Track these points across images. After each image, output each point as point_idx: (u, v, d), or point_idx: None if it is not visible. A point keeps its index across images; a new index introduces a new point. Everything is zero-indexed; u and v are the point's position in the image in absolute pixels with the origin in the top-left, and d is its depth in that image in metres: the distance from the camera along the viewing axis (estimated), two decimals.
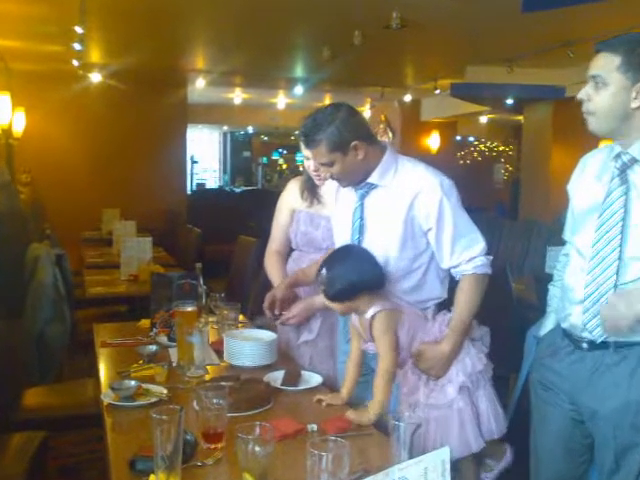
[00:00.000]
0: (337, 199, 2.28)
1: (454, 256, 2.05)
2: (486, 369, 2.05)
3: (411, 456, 1.45)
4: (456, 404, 1.99)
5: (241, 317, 2.91)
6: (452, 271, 2.10)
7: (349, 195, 2.20)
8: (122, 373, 2.26)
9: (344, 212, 2.21)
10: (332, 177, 2.12)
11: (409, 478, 1.16)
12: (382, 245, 2.10)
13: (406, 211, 2.05)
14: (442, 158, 10.24)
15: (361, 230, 2.14)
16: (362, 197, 2.15)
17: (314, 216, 2.65)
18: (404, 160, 2.13)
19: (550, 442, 1.93)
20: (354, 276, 1.97)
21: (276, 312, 2.51)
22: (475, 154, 13.63)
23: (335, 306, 2.03)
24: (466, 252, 2.05)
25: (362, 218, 2.14)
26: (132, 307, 4.40)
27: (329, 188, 2.37)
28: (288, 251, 2.78)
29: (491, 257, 2.08)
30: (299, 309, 2.53)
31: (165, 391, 2.06)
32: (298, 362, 2.56)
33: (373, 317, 1.98)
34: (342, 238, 2.21)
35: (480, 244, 2.06)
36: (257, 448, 1.41)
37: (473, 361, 2.03)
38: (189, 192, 11.52)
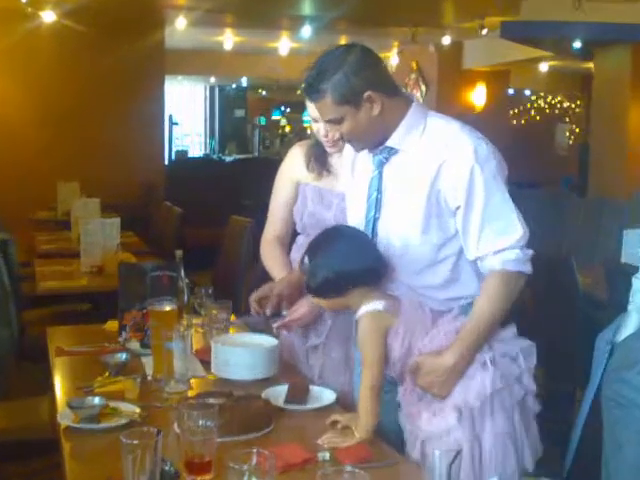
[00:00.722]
0: (354, 169, 2.30)
1: (481, 244, 2.06)
2: (501, 394, 2.03)
3: None
4: (453, 434, 1.99)
5: (233, 318, 2.91)
6: (478, 264, 2.12)
7: (366, 163, 2.22)
8: (84, 388, 2.27)
9: (360, 184, 2.23)
10: (342, 138, 2.15)
11: None
12: (401, 226, 2.12)
13: (430, 183, 2.07)
14: (489, 117, 10.21)
15: (377, 206, 2.16)
16: (380, 165, 2.16)
17: (324, 192, 2.66)
18: (435, 117, 2.14)
19: (627, 474, 1.93)
20: (341, 266, 2.02)
21: (267, 312, 2.52)
22: (532, 112, 13.57)
23: (320, 302, 2.11)
24: (496, 241, 2.05)
25: (379, 191, 2.16)
26: (95, 306, 4.45)
27: (345, 156, 2.39)
28: (291, 236, 2.78)
29: (530, 252, 2.08)
30: (305, 309, 2.53)
31: (138, 410, 2.07)
32: (305, 374, 2.58)
33: (359, 319, 2.03)
34: (355, 216, 2.24)
35: (517, 233, 2.06)
36: None
37: (483, 382, 2.01)
38: (167, 162, 11.57)
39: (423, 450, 1.98)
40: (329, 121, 2.10)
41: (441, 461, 1.50)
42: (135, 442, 1.44)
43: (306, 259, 2.07)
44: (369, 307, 2.03)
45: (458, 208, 2.07)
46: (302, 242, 2.73)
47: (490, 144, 2.08)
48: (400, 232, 2.12)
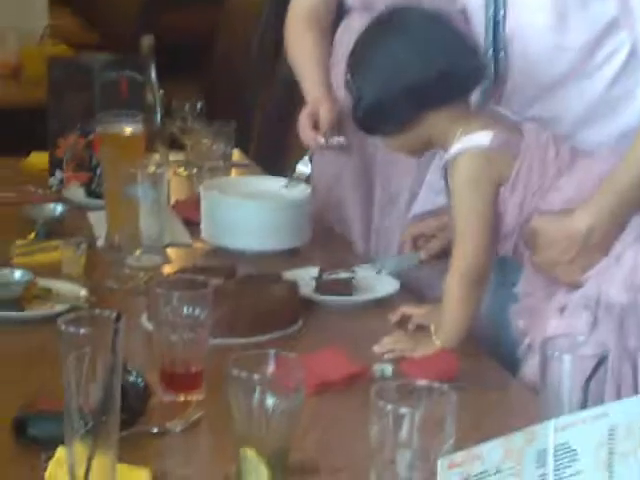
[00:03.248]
0: None
1: None
2: None
3: None
4: (585, 345, 1.78)
5: (236, 154, 2.64)
6: None
7: None
8: None
9: None
10: None
11: (575, 446, 0.99)
12: (535, 22, 1.80)
13: None
14: None
15: None
16: None
17: None
18: None
19: None
20: (394, 79, 1.70)
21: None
22: None
23: (386, 143, 1.86)
24: None
25: None
26: (10, 129, 3.96)
27: None
28: (334, 15, 2.32)
29: None
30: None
31: (83, 293, 1.84)
32: (360, 248, 2.27)
33: (450, 162, 1.75)
34: (474, 17, 1.89)
35: None
36: (270, 400, 1.19)
37: (635, 265, 1.70)
38: None
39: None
40: None
41: (573, 372, 1.22)
42: (81, 331, 1.16)
43: (348, 74, 1.74)
44: (468, 142, 1.67)
45: None
46: (351, 23, 2.27)
47: None
48: (528, 35, 1.82)
